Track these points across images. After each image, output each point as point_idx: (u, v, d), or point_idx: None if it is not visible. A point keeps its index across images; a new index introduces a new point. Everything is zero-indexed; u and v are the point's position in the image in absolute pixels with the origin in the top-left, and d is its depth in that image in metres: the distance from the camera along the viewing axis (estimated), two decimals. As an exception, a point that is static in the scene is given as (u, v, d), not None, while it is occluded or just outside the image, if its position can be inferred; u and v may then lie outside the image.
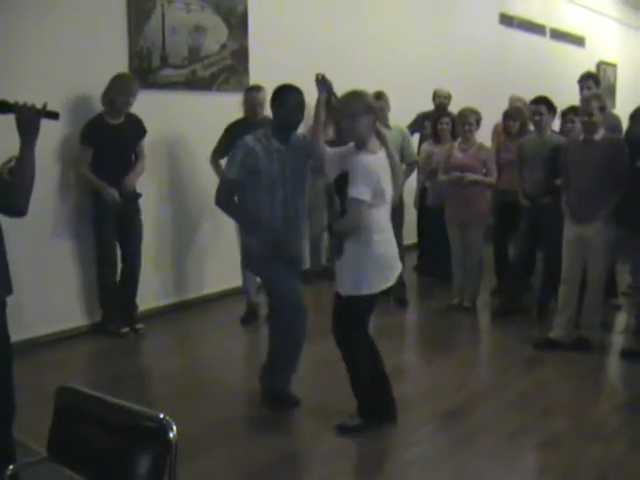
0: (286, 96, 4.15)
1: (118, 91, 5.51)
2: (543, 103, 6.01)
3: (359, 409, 4.07)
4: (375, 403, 4.10)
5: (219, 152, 6.00)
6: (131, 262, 5.82)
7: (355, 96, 3.85)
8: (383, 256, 3.91)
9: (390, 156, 3.89)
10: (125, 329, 5.74)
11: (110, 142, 5.51)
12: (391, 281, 3.99)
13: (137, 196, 5.79)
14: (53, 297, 5.58)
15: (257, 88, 6.04)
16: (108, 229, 5.67)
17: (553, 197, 5.75)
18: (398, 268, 4.04)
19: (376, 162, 3.79)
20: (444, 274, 6.96)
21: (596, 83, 6.74)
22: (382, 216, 3.88)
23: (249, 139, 4.16)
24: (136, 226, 5.81)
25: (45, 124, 2.86)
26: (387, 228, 3.94)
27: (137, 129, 5.75)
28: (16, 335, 5.09)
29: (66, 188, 5.69)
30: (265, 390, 4.46)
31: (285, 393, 4.38)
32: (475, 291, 6.54)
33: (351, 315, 3.97)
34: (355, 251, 3.83)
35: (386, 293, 6.63)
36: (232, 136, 5.89)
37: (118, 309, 5.83)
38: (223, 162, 5.96)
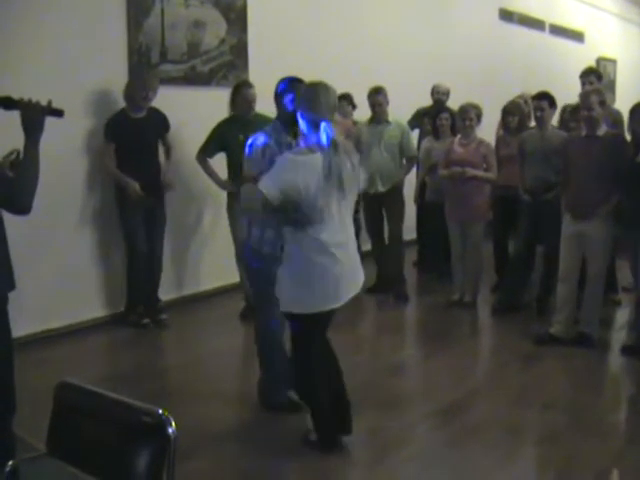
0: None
1: (136, 86, 5.62)
2: (545, 99, 6.01)
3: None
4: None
5: (207, 150, 5.98)
6: (154, 254, 5.94)
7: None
8: None
9: None
10: (146, 320, 5.85)
11: (132, 136, 5.62)
12: None
13: (163, 189, 5.89)
14: (75, 288, 5.69)
15: (250, 84, 6.04)
16: (136, 222, 5.78)
17: (554, 192, 5.76)
18: None
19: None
20: (444, 269, 6.96)
21: (598, 78, 6.70)
22: None
23: (262, 136, 3.99)
24: (158, 218, 5.93)
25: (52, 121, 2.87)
26: None
27: (160, 124, 5.86)
28: (34, 327, 5.23)
29: (90, 183, 5.79)
30: (263, 403, 4.33)
31: (284, 403, 4.23)
32: (476, 286, 6.53)
33: None
34: None
35: (386, 289, 6.70)
36: (222, 134, 5.89)
37: (141, 300, 5.95)
38: (212, 160, 6.00)
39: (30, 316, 5.16)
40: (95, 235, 5.89)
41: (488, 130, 7.42)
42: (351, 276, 3.67)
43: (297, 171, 3.42)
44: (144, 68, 5.93)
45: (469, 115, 6.25)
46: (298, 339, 3.72)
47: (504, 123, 6.80)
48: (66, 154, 5.45)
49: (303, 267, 3.55)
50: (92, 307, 5.88)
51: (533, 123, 6.44)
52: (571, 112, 6.27)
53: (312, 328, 3.68)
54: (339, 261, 3.56)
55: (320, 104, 3.55)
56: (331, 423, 3.82)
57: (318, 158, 3.47)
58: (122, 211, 5.81)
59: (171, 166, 5.99)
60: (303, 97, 3.63)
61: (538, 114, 6.03)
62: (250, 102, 5.88)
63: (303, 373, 3.77)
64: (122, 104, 5.73)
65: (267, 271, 3.88)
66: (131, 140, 5.63)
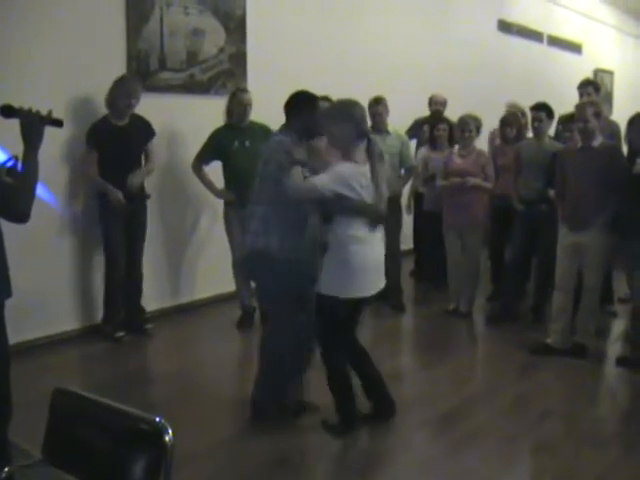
0: (317, 103, 4.16)
1: (119, 93, 5.53)
2: (543, 109, 6.07)
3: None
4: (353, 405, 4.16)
5: (203, 157, 5.98)
6: (135, 263, 5.84)
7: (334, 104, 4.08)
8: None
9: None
10: (120, 333, 5.72)
11: (115, 144, 5.53)
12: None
13: (144, 197, 5.81)
14: (50, 300, 5.56)
15: (245, 89, 6.08)
16: (116, 231, 5.67)
17: (549, 203, 5.78)
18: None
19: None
20: (441, 279, 6.97)
21: (596, 90, 6.73)
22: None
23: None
24: (139, 227, 5.82)
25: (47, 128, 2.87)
26: None
27: (143, 131, 5.76)
28: (14, 337, 5.15)
29: (70, 191, 5.70)
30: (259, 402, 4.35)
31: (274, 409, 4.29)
32: (472, 296, 6.55)
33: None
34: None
35: (383, 298, 6.70)
36: (218, 142, 5.89)
37: (117, 313, 5.82)
38: (207, 168, 6.00)
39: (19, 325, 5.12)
40: (74, 245, 5.76)
41: (485, 139, 7.48)
42: (376, 274, 4.05)
43: (344, 181, 3.84)
44: (127, 74, 5.82)
45: (469, 127, 6.29)
46: (327, 325, 4.03)
47: (502, 134, 6.82)
48: (47, 161, 5.39)
49: (336, 256, 3.92)
50: (68, 318, 5.75)
51: (531, 134, 6.47)
52: (564, 123, 6.29)
53: (340, 314, 4.00)
54: (363, 255, 3.93)
55: (358, 117, 3.94)
56: (351, 407, 4.11)
57: (361, 169, 3.89)
58: (103, 220, 5.68)
59: (146, 175, 5.79)
60: (343, 112, 3.92)
61: (536, 125, 6.08)
62: (245, 106, 5.88)
63: (328, 358, 4.07)
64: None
65: (282, 283, 4.05)
66: (114, 148, 5.53)
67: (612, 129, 6.61)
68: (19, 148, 2.83)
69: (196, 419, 4.22)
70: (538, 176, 5.94)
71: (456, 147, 6.53)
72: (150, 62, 6.09)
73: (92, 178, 5.59)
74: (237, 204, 5.88)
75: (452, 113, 7.34)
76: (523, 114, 7.10)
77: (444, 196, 6.50)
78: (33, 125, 2.80)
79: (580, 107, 5.32)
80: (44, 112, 2.85)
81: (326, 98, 7.07)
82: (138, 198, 5.71)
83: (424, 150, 7.37)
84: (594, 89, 6.70)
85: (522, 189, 6.12)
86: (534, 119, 6.10)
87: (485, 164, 6.33)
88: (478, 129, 6.46)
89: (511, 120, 6.79)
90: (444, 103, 7.98)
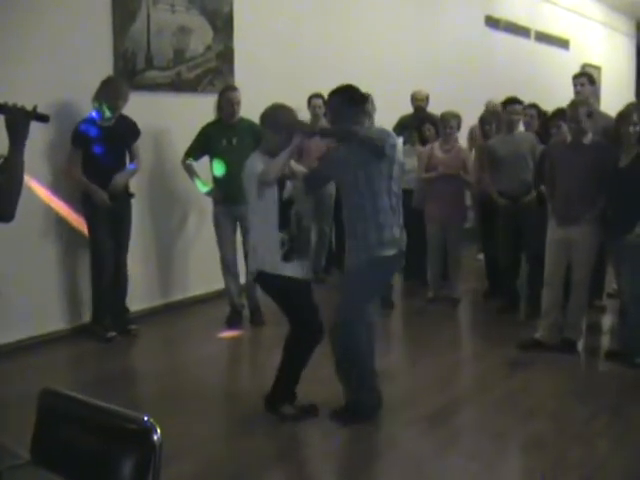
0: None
1: (107, 95, 5.50)
2: (517, 104, 6.21)
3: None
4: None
5: (192, 153, 5.97)
6: (120, 263, 5.78)
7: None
8: None
9: None
10: (112, 333, 5.67)
11: (101, 143, 5.50)
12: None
13: (129, 196, 5.77)
14: (37, 300, 5.52)
15: (234, 87, 6.08)
16: (102, 230, 5.62)
17: (532, 195, 5.92)
18: None
19: None
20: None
21: (590, 81, 6.70)
22: None
23: None
24: (124, 227, 5.77)
25: (32, 125, 2.85)
26: None
27: (129, 131, 5.72)
28: (1, 338, 5.15)
29: (55, 189, 5.62)
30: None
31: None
32: (457, 283, 6.85)
33: None
34: None
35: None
36: (207, 137, 5.89)
37: (107, 312, 5.78)
38: (196, 164, 5.99)
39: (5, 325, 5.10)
40: (59, 244, 5.71)
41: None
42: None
43: None
44: (115, 76, 5.79)
45: (450, 124, 6.64)
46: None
47: (483, 131, 6.92)
48: (30, 158, 5.34)
49: None
50: (55, 318, 5.69)
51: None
52: (551, 118, 6.31)
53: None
54: None
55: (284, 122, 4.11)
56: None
57: None
58: (88, 220, 5.64)
59: (130, 175, 5.75)
60: (280, 117, 4.11)
61: (511, 118, 6.20)
62: (234, 104, 5.88)
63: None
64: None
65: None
66: (99, 148, 5.50)
67: (608, 125, 6.59)
68: (4, 146, 2.81)
69: (184, 418, 4.21)
70: (519, 168, 6.07)
71: (436, 142, 6.77)
72: (137, 61, 6.06)
73: (76, 178, 5.55)
74: (224, 201, 5.87)
75: (439, 109, 7.35)
76: (497, 111, 7.18)
77: (427, 188, 6.73)
78: (19, 121, 2.76)
79: (573, 107, 5.30)
80: (29, 108, 2.82)
81: (319, 95, 7.08)
82: (122, 198, 5.68)
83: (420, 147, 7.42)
84: (588, 80, 6.69)
85: (504, 183, 6.19)
86: (509, 113, 6.23)
87: (465, 158, 6.68)
88: (459, 125, 6.77)
89: (490, 118, 6.93)
90: (425, 98, 8.01)
